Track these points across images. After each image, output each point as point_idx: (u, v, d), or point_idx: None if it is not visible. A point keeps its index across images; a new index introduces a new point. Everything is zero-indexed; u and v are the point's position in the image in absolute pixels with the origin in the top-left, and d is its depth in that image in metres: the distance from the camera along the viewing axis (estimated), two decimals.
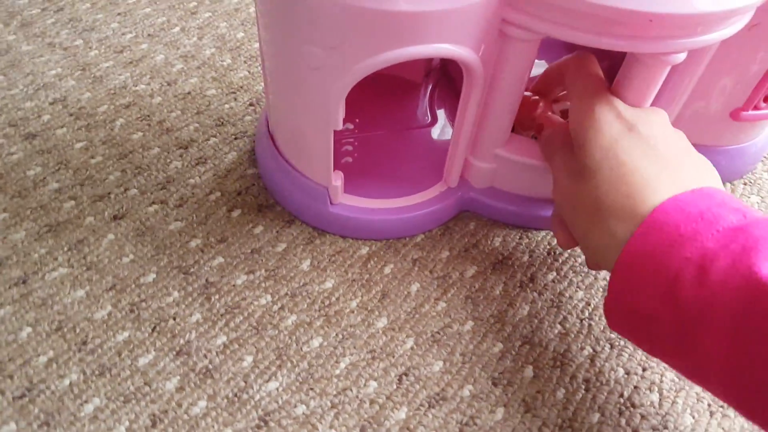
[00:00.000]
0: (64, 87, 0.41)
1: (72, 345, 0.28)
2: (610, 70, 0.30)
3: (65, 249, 0.32)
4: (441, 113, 0.40)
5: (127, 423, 0.26)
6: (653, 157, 0.24)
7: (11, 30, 0.45)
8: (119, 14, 0.47)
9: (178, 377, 0.27)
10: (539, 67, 0.35)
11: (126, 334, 0.29)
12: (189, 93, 0.41)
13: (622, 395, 0.28)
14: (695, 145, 0.27)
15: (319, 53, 0.25)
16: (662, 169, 0.24)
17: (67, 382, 0.27)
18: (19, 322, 0.29)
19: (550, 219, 0.35)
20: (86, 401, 0.26)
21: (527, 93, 0.34)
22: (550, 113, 0.33)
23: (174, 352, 0.28)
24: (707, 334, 0.21)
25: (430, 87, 0.42)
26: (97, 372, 0.27)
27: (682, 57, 0.25)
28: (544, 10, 0.24)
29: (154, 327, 0.29)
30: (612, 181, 0.24)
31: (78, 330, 0.29)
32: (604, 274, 0.33)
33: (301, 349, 0.29)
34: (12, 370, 0.27)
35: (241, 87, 0.42)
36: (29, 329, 0.28)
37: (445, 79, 0.42)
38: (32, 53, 0.43)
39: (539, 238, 0.35)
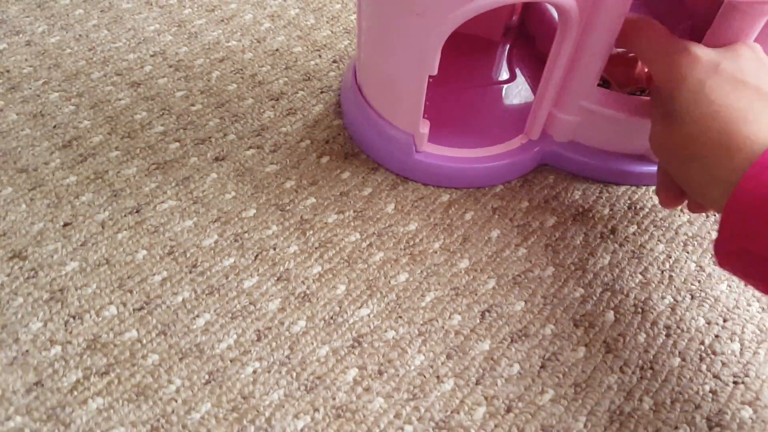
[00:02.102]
0: (163, 41, 0.44)
1: (183, 267, 0.31)
2: (693, 33, 0.30)
3: (173, 184, 0.35)
4: (518, 72, 0.41)
5: (234, 336, 0.28)
6: (745, 90, 0.23)
7: None
8: None
9: (280, 299, 0.30)
10: None
11: (231, 260, 0.31)
12: (277, 50, 0.43)
13: (702, 343, 0.29)
14: None
15: None
16: (757, 101, 0.23)
17: (180, 298, 0.30)
18: (135, 246, 0.32)
19: (633, 175, 0.35)
20: (198, 316, 0.29)
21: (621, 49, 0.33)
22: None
23: (275, 278, 0.31)
24: None
25: (508, 46, 0.42)
26: (207, 291, 0.30)
27: None
28: None
29: (257, 255, 0.31)
30: (703, 120, 0.24)
31: (188, 255, 0.31)
32: (685, 229, 0.34)
33: (389, 282, 0.31)
34: (131, 285, 0.30)
35: (325, 45, 0.44)
36: (144, 252, 0.32)
37: (523, 38, 0.43)
38: (132, 10, 0.46)
39: (620, 193, 0.35)
